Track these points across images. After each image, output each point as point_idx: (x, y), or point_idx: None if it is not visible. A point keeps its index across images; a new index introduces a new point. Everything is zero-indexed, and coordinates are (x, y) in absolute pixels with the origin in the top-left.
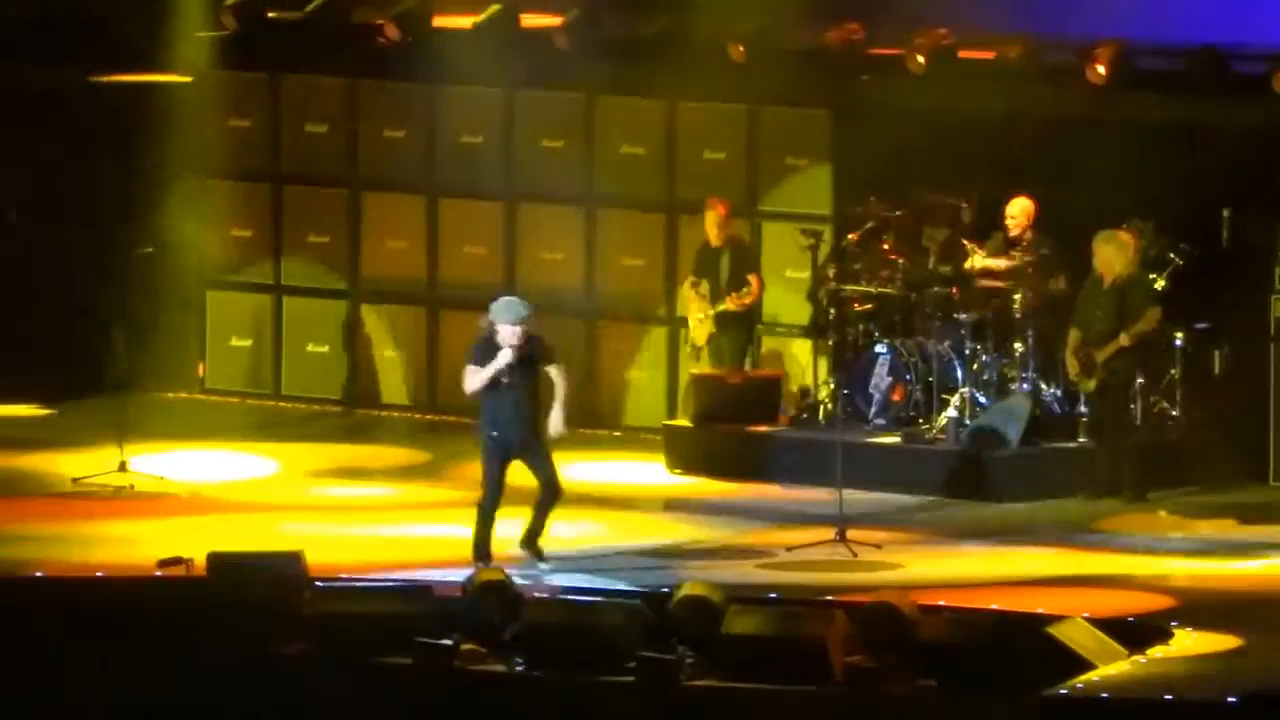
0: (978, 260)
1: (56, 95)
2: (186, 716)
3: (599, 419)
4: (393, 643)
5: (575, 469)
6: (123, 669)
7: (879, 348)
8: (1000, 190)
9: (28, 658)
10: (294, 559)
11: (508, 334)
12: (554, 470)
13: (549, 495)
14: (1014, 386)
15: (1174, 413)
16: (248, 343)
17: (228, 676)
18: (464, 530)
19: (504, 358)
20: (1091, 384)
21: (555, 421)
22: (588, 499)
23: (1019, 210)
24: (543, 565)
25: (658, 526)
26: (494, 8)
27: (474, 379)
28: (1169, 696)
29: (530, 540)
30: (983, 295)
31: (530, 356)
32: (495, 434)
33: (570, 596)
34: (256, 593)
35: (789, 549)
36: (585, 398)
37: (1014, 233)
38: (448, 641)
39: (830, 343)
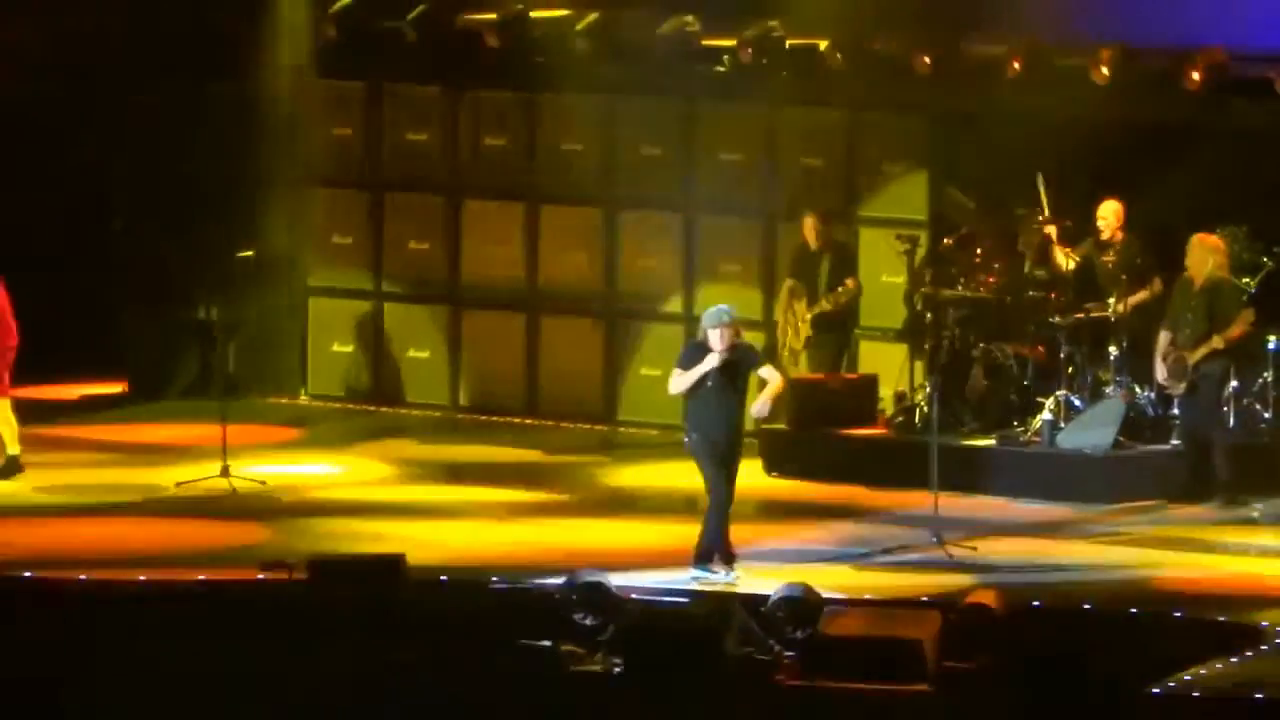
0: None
1: (162, 104)
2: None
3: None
4: (494, 643)
5: (674, 471)
6: (229, 671)
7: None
8: (1095, 195)
9: (134, 659)
10: (395, 561)
11: (714, 339)
12: (733, 480)
13: (726, 502)
14: (1108, 390)
15: (1267, 415)
16: (349, 348)
17: (331, 679)
18: (562, 530)
19: (710, 361)
20: (1182, 386)
21: (760, 405)
22: (687, 501)
23: (1110, 212)
24: (704, 572)
25: (756, 530)
26: (592, 16)
27: (679, 381)
28: (1259, 695)
29: (700, 554)
30: (1079, 297)
31: (735, 361)
32: (696, 435)
33: (666, 598)
34: (357, 595)
35: (874, 552)
36: (683, 400)
37: (1105, 235)
38: (547, 642)
39: (926, 347)
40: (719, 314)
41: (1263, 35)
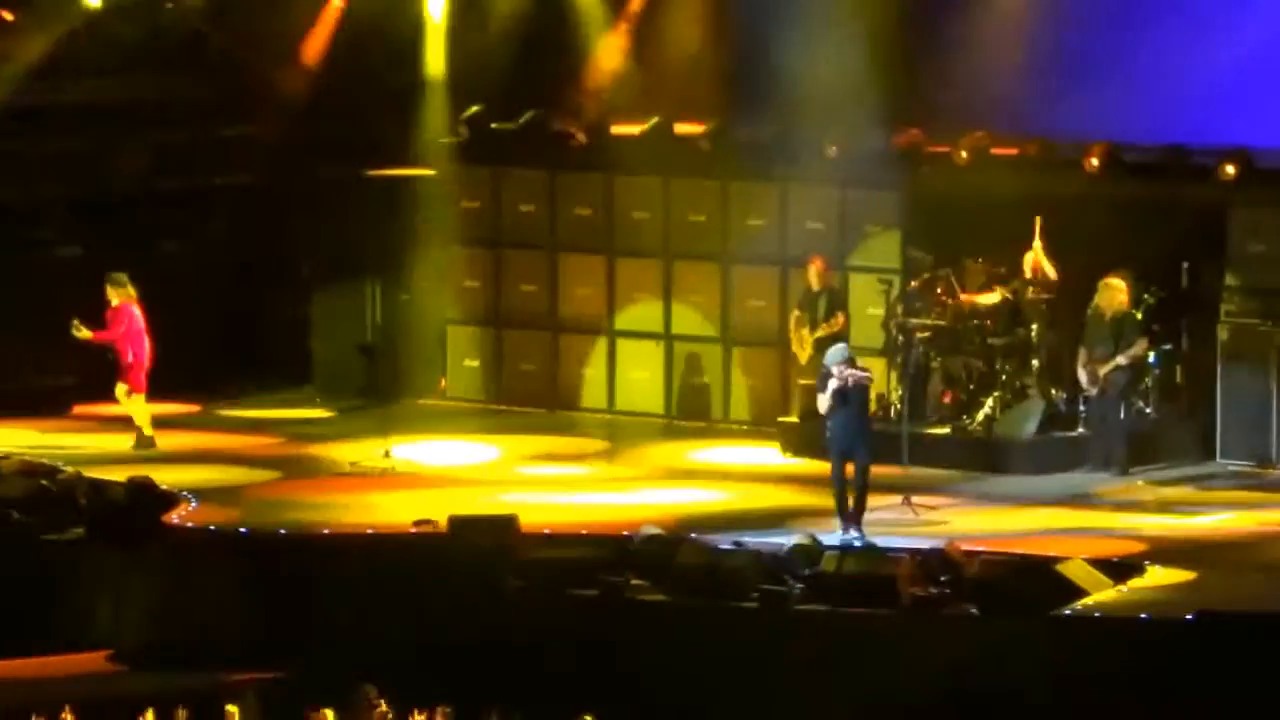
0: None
1: (339, 184)
2: (433, 634)
3: (734, 416)
4: (582, 579)
5: (716, 453)
6: (389, 602)
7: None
8: (1020, 250)
9: (320, 596)
10: (511, 519)
11: (835, 372)
12: (868, 468)
13: (863, 484)
14: (1030, 392)
15: (1149, 410)
16: (476, 363)
17: (463, 606)
18: (634, 498)
19: (831, 385)
20: (1094, 390)
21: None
22: (726, 474)
23: (1031, 260)
24: (852, 534)
25: (777, 494)
26: (654, 119)
27: (820, 402)
28: (1144, 615)
29: (853, 517)
30: (1009, 324)
31: (855, 392)
32: (830, 438)
33: (711, 544)
34: (483, 544)
35: (873, 509)
36: (721, 401)
37: (1028, 277)
38: (619, 579)
39: (898, 361)
40: (836, 353)
41: (1144, 131)
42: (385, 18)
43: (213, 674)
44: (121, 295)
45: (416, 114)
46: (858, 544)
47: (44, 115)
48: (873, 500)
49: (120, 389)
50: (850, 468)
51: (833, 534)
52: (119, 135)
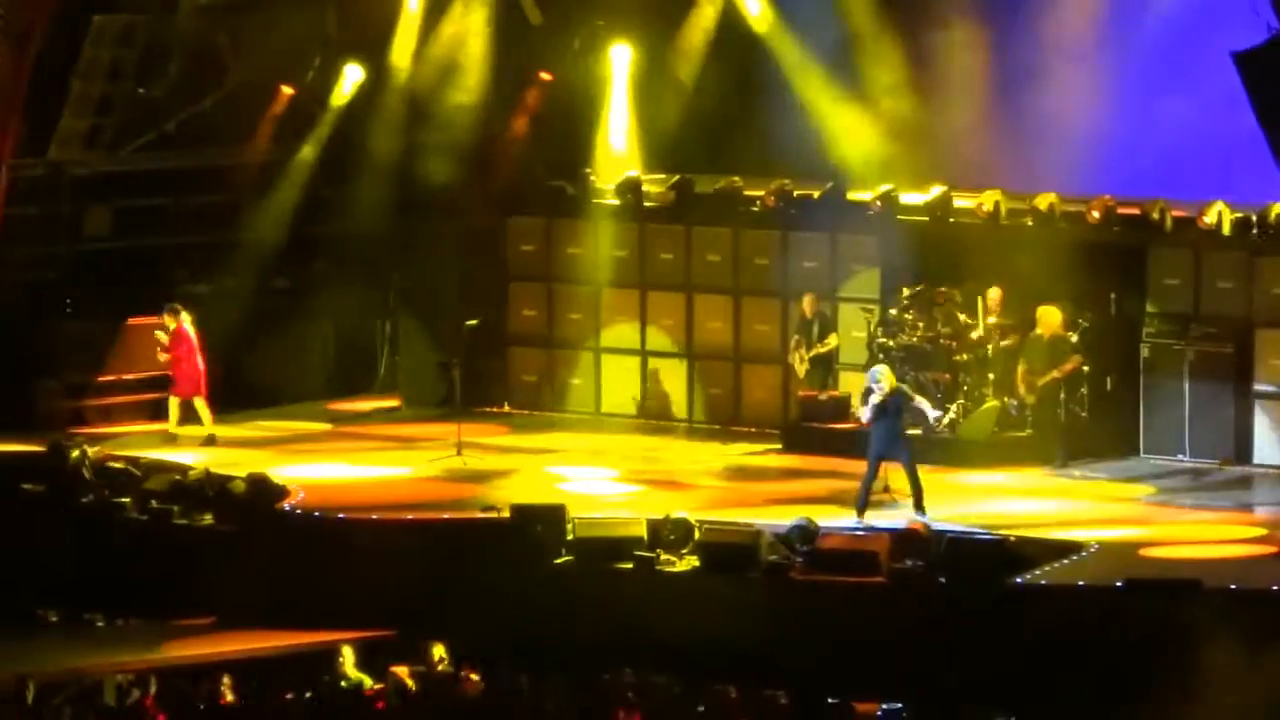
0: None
1: (419, 233)
2: (496, 601)
3: (744, 421)
4: (619, 554)
5: (729, 450)
6: (460, 575)
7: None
8: (983, 283)
9: (403, 571)
10: (561, 507)
11: (876, 389)
12: (912, 463)
13: (914, 477)
14: (987, 400)
15: (1083, 414)
16: (534, 378)
17: (517, 580)
18: (664, 488)
19: (873, 400)
20: (1032, 399)
21: (929, 410)
22: (741, 470)
23: (994, 294)
24: (923, 516)
25: (786, 485)
26: (674, 178)
27: (862, 413)
28: (1081, 583)
29: (917, 504)
30: (970, 345)
31: (892, 403)
32: (872, 443)
33: (726, 525)
34: (539, 529)
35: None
36: (733, 407)
37: (991, 305)
38: (649, 554)
39: None
40: (877, 372)
41: (1081, 185)
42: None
43: (322, 634)
44: (177, 321)
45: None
46: (924, 521)
47: (184, 176)
48: (852, 486)
49: (173, 400)
50: (883, 467)
51: (848, 520)
52: (242, 193)
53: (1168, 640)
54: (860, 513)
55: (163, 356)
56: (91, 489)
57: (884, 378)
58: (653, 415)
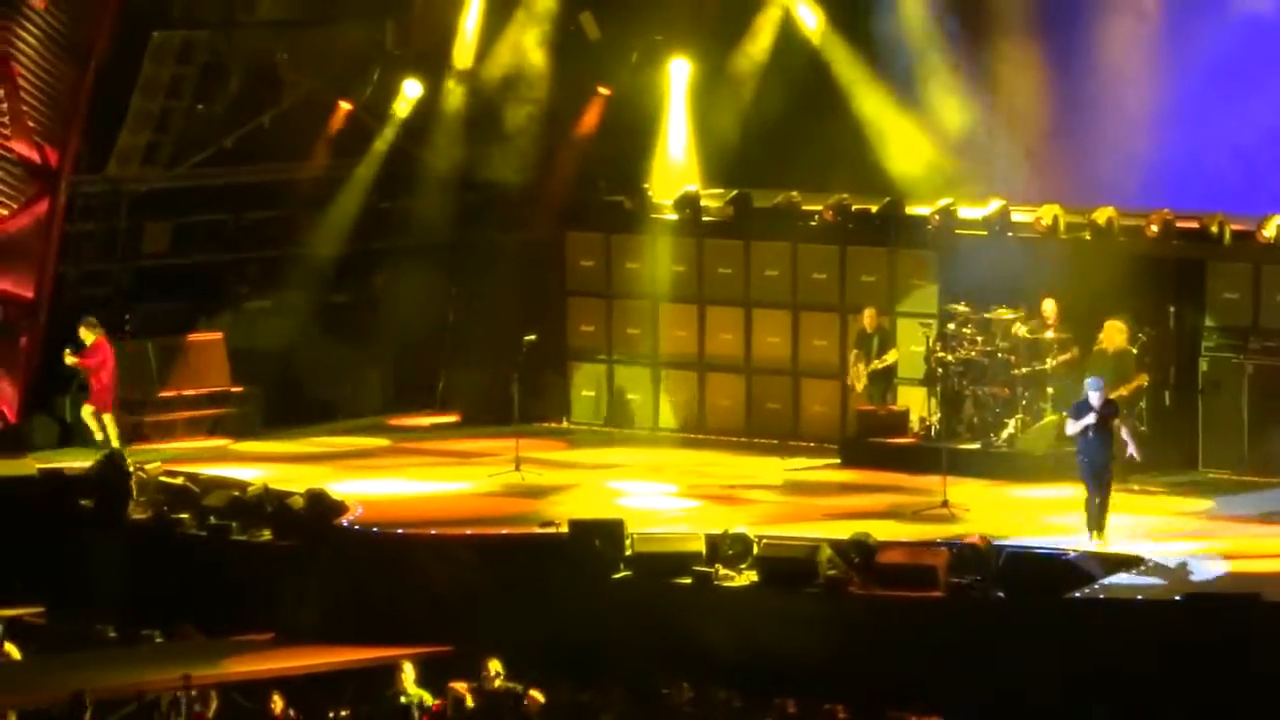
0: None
1: (479, 246)
2: (554, 617)
3: (803, 436)
4: (678, 569)
5: (788, 465)
6: (519, 591)
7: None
8: (1040, 296)
9: (464, 587)
10: (620, 522)
11: (1094, 400)
12: (1108, 482)
13: (1104, 502)
14: (1046, 414)
15: (1142, 428)
16: (593, 393)
17: (576, 595)
18: (722, 504)
19: (1089, 418)
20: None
21: (1130, 448)
22: (798, 485)
23: (1050, 307)
24: (1099, 540)
25: (844, 500)
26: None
27: (1071, 427)
28: (1140, 597)
29: (1098, 524)
30: (1029, 358)
31: (1105, 416)
32: (1084, 459)
33: (784, 540)
34: (597, 544)
35: (915, 513)
36: (794, 422)
37: (1049, 321)
38: (708, 569)
39: (937, 389)
40: (1095, 384)
41: (1138, 199)
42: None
43: (381, 650)
44: (96, 333)
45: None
46: (1096, 547)
47: (243, 192)
48: (919, 501)
49: (86, 409)
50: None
51: (1081, 538)
52: (300, 208)
53: (1227, 653)
54: (1097, 531)
55: (70, 360)
56: (150, 505)
57: (1099, 390)
58: (711, 430)
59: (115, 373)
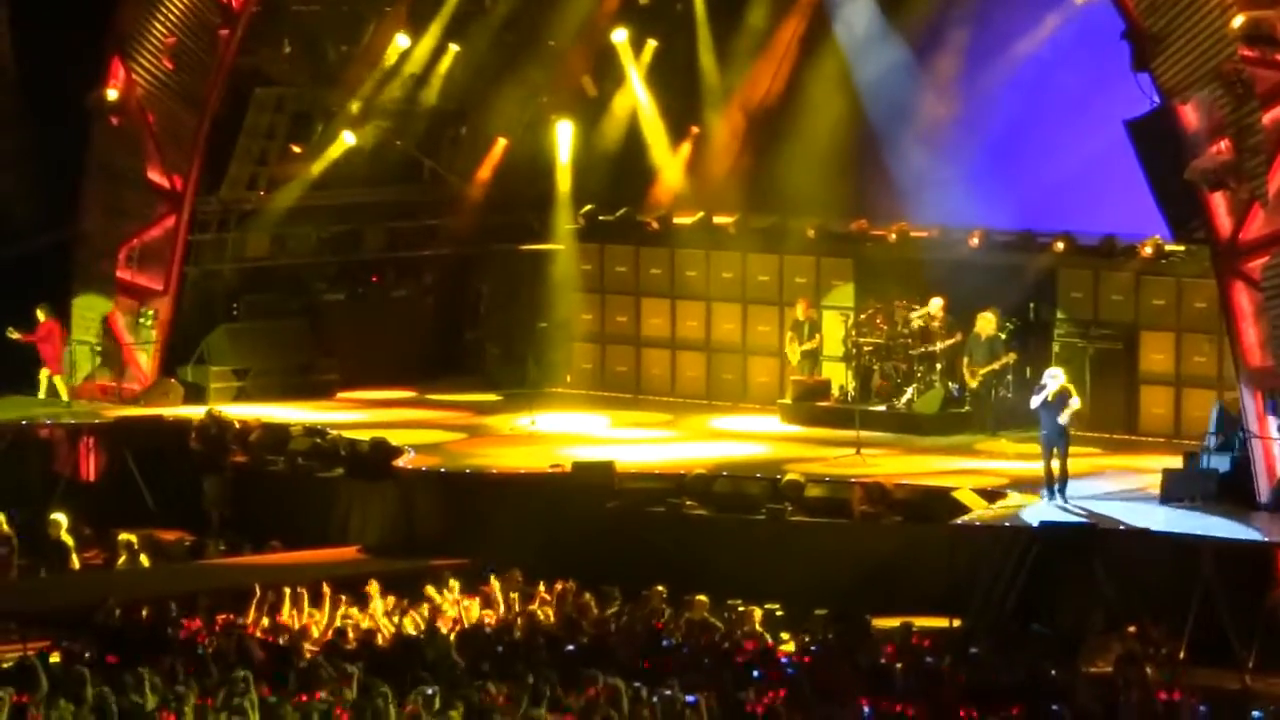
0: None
1: (501, 253)
2: (560, 536)
3: (750, 400)
4: (654, 500)
5: (741, 421)
6: (533, 516)
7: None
8: (930, 295)
9: (490, 513)
10: (610, 463)
11: (1048, 386)
12: (1066, 453)
13: (1064, 463)
14: (935, 384)
15: (1008, 395)
16: (590, 365)
17: (577, 518)
18: (688, 450)
19: (1040, 396)
20: (974, 383)
21: (1064, 416)
22: (746, 436)
23: (938, 305)
24: (1061, 500)
25: (780, 449)
26: (700, 214)
27: (1033, 402)
28: (1007, 523)
29: (1060, 485)
30: (922, 341)
31: (1058, 399)
32: (1042, 433)
33: (736, 477)
34: (592, 479)
35: (837, 456)
36: (744, 389)
37: (936, 312)
38: (677, 500)
39: (853, 365)
40: (1050, 374)
41: (1003, 218)
42: (528, 152)
43: (424, 561)
44: (48, 315)
45: (553, 211)
46: (1060, 505)
47: (321, 211)
48: (832, 450)
49: (43, 373)
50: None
51: (1039, 499)
52: (367, 223)
53: (1071, 566)
54: (1051, 490)
55: (14, 334)
56: (250, 450)
57: (1056, 379)
58: (680, 395)
59: (61, 346)
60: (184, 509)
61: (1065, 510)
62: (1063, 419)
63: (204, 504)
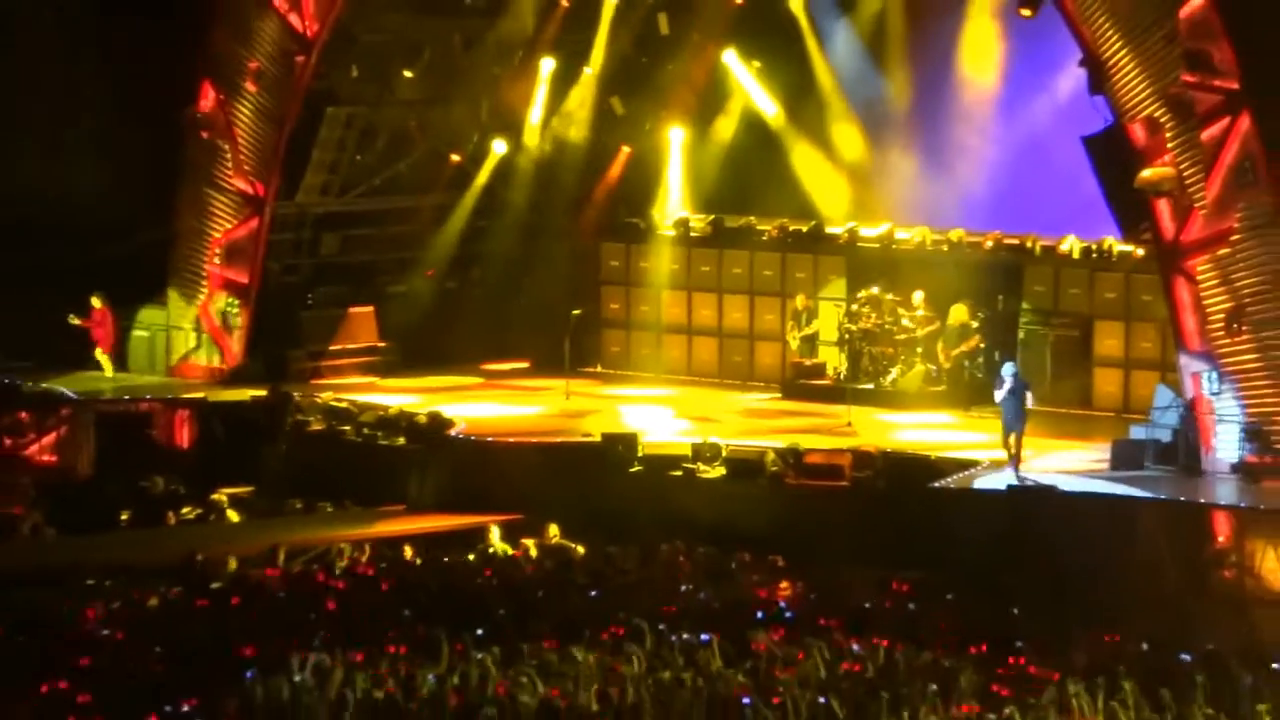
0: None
1: (539, 250)
2: (590, 496)
3: (756, 379)
4: (673, 466)
5: (746, 398)
6: (567, 477)
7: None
8: (913, 288)
9: (531, 475)
10: (635, 434)
11: (1006, 378)
12: (1022, 434)
13: (1019, 443)
14: (917, 365)
15: (980, 375)
16: (618, 349)
17: (605, 482)
18: (698, 423)
19: (1001, 389)
20: (948, 365)
21: (1028, 400)
22: (750, 409)
23: (920, 297)
24: (1021, 473)
25: (783, 421)
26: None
27: (996, 394)
28: (976, 486)
29: (1015, 464)
30: (904, 329)
31: (1015, 389)
32: (1004, 418)
33: (743, 447)
34: (620, 448)
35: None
36: (750, 370)
37: (917, 303)
38: (692, 465)
39: (845, 349)
40: (1008, 367)
41: (982, 222)
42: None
43: (476, 517)
44: (102, 303)
45: (580, 212)
46: (1016, 481)
47: (387, 214)
48: (827, 421)
49: (99, 351)
50: (1013, 436)
51: (1004, 472)
52: (425, 225)
53: (1034, 527)
54: (1015, 467)
55: (74, 320)
56: (323, 420)
57: (1011, 374)
58: (695, 374)
59: (111, 329)
60: (261, 472)
61: (1025, 479)
62: (1029, 404)
63: (276, 467)
